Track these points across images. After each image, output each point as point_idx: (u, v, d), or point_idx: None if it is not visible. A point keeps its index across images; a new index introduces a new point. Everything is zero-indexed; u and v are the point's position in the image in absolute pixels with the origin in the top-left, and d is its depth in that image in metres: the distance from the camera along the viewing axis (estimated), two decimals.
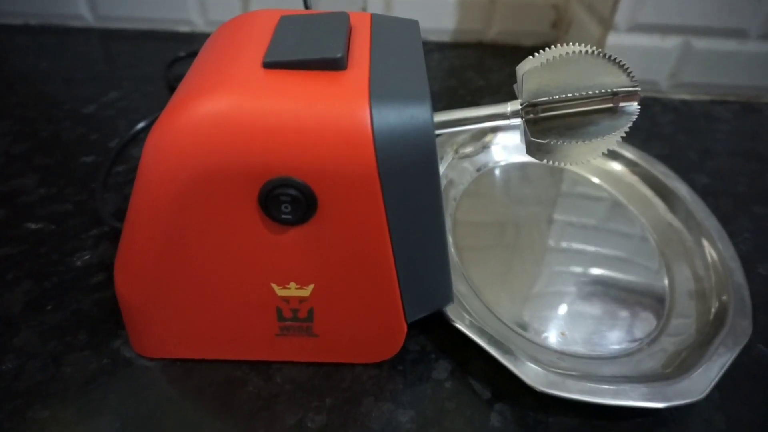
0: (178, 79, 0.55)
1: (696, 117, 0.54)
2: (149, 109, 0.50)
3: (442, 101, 0.54)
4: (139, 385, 0.29)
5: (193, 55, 0.58)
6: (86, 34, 0.63)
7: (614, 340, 0.32)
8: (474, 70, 0.59)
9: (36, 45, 0.60)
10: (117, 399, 0.28)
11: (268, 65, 0.24)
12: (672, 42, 0.53)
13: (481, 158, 0.44)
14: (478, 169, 0.44)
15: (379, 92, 0.24)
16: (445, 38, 0.65)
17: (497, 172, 0.44)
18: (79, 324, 0.31)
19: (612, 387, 0.27)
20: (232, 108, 0.23)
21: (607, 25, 0.53)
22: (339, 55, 0.24)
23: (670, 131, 0.52)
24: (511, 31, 0.65)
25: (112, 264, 0.35)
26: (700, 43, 0.53)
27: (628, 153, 0.44)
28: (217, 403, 0.28)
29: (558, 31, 0.65)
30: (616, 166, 0.44)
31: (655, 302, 0.34)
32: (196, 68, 0.27)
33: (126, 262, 0.27)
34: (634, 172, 0.43)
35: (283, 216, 0.24)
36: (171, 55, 0.58)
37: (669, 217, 0.39)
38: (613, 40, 0.53)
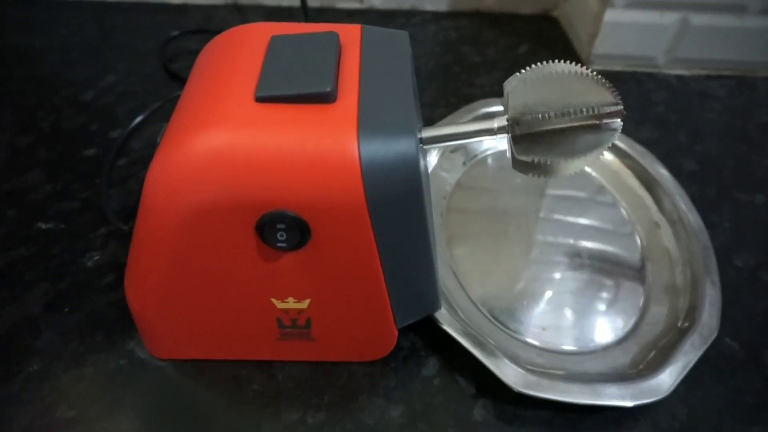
0: (174, 59, 0.55)
1: (689, 94, 0.54)
2: (146, 94, 0.51)
3: (437, 80, 0.54)
4: (154, 384, 0.31)
5: (187, 33, 0.57)
6: (78, 7, 0.62)
7: (590, 336, 0.34)
8: (470, 45, 0.59)
9: (29, 20, 0.59)
10: (135, 397, 0.31)
11: (261, 99, 0.25)
12: (670, 18, 0.52)
13: (472, 147, 0.45)
14: (473, 158, 0.45)
15: (367, 126, 0.25)
16: (442, 7, 0.64)
17: (489, 161, 0.45)
18: (95, 325, 0.34)
19: (584, 387, 0.30)
20: (227, 145, 0.24)
21: (605, 0, 0.52)
22: (328, 90, 0.25)
23: (662, 111, 0.52)
24: None
25: (122, 264, 0.37)
26: (699, 19, 0.52)
27: (618, 141, 0.45)
28: (226, 400, 0.31)
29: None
30: (606, 155, 0.44)
31: (633, 300, 0.36)
32: (190, 94, 0.28)
33: (136, 279, 0.29)
34: (624, 163, 0.44)
35: (279, 244, 0.26)
36: (164, 30, 0.58)
37: (654, 209, 0.41)
38: (611, 16, 0.52)
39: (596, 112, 0.29)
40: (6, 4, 0.61)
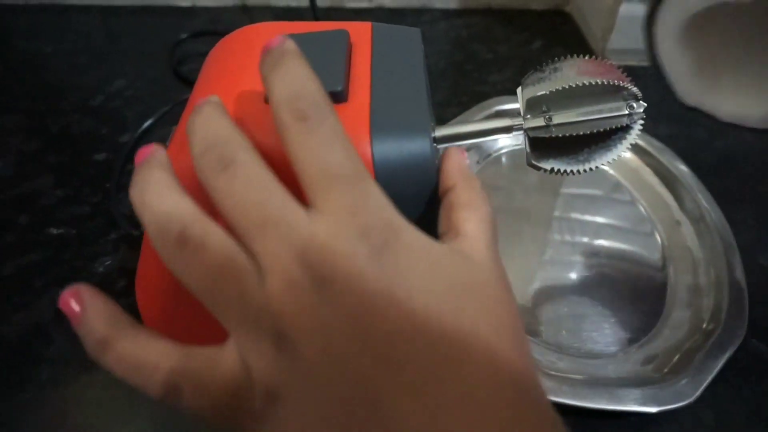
0: (182, 62, 0.54)
1: None
2: (155, 98, 0.50)
3: (448, 79, 0.53)
4: None
5: (195, 35, 0.57)
6: (86, 12, 0.62)
7: (611, 339, 0.33)
8: (481, 42, 0.58)
9: (37, 26, 0.59)
10: (147, 405, 0.30)
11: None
12: None
13: (486, 146, 0.44)
14: (486, 157, 0.44)
15: (379, 125, 0.24)
16: (452, 4, 0.63)
17: (503, 159, 0.44)
18: None
19: (606, 392, 0.29)
20: None
21: None
22: (339, 89, 0.25)
23: (679, 106, 0.51)
24: None
25: (133, 269, 0.36)
26: None
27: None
28: None
29: None
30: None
31: (655, 301, 0.35)
32: (199, 97, 0.27)
33: (145, 283, 0.29)
34: (642, 160, 0.43)
35: None
36: (172, 33, 0.57)
37: (674, 207, 0.40)
38: (626, 9, 0.51)
39: (617, 113, 0.28)
40: (14, 11, 0.61)
